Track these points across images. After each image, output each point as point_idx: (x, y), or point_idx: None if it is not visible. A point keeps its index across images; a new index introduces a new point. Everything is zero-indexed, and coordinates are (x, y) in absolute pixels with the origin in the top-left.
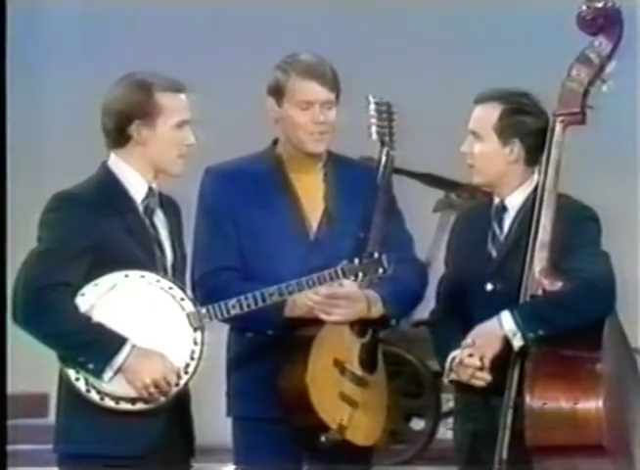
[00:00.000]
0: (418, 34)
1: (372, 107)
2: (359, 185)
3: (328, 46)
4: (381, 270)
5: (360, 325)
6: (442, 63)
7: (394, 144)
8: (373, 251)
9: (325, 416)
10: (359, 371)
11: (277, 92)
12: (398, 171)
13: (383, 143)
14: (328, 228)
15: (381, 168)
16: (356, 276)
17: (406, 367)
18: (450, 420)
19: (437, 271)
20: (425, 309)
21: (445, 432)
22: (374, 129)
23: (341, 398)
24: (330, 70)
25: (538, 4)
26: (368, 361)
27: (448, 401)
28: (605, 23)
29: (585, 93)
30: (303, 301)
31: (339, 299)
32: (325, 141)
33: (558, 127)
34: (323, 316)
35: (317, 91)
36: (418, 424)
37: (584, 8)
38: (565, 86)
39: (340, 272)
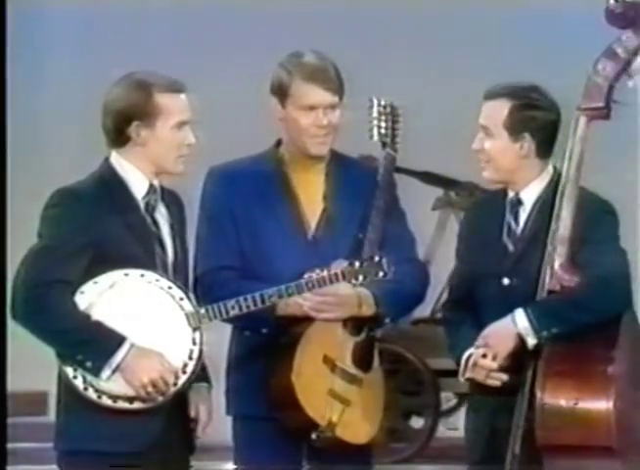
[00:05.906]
0: (420, 34)
1: (375, 108)
2: (360, 186)
3: (329, 46)
4: (381, 273)
5: (353, 323)
6: (444, 63)
7: (396, 145)
8: (372, 253)
9: (313, 413)
10: (352, 369)
11: (280, 93)
12: (397, 170)
13: (384, 144)
14: (326, 228)
15: (381, 170)
16: (356, 279)
17: (406, 365)
18: (450, 419)
19: (436, 270)
20: (425, 308)
21: (445, 430)
22: (375, 131)
23: (331, 395)
24: (334, 71)
25: (539, 3)
26: (362, 359)
27: (448, 401)
28: (635, 16)
29: (610, 88)
30: (295, 299)
31: (329, 297)
32: (328, 143)
33: (582, 121)
34: (313, 314)
35: (321, 95)
36: (417, 422)
37: (613, 2)
38: (590, 80)
39: (340, 275)
